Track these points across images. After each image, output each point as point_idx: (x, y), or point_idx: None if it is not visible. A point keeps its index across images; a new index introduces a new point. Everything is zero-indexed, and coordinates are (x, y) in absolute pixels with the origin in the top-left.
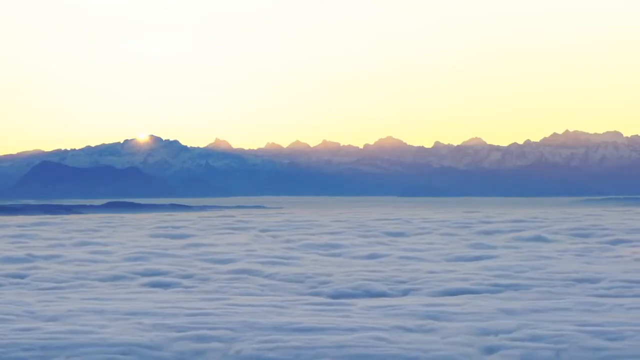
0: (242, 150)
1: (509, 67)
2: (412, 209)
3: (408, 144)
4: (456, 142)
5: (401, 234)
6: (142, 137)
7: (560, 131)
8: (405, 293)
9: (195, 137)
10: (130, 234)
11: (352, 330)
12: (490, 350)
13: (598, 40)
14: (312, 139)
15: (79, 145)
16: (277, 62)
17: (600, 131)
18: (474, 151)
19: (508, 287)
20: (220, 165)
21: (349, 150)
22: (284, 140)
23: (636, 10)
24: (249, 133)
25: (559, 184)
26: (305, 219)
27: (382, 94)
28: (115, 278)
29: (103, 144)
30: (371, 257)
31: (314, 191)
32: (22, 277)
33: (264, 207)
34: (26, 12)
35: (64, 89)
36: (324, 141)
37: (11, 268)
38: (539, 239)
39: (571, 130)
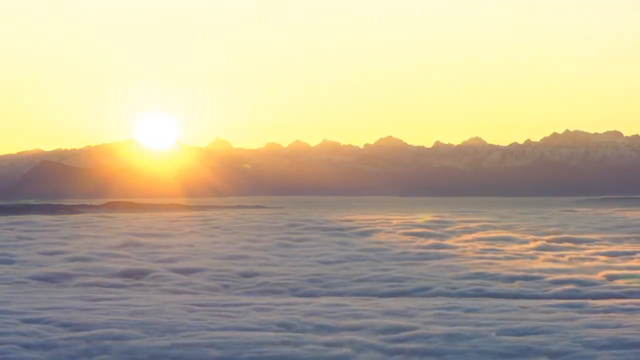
0: (242, 150)
1: (510, 67)
2: (403, 208)
3: (408, 144)
4: (456, 142)
5: (369, 234)
6: (142, 137)
7: (560, 131)
8: (315, 294)
9: (195, 137)
10: (96, 234)
11: (236, 329)
12: (364, 348)
13: (598, 40)
14: (312, 139)
15: (79, 145)
16: (277, 62)
17: (600, 131)
18: (474, 151)
19: (425, 288)
20: (220, 166)
21: (349, 150)
22: (284, 140)
23: (636, 11)
24: (249, 133)
25: (559, 184)
26: (284, 218)
27: (382, 94)
28: (49, 278)
29: (103, 144)
30: (317, 256)
31: (314, 191)
32: None
33: (264, 207)
34: (26, 11)
35: (64, 88)
36: (324, 141)
37: None
38: (496, 239)
39: (571, 130)
